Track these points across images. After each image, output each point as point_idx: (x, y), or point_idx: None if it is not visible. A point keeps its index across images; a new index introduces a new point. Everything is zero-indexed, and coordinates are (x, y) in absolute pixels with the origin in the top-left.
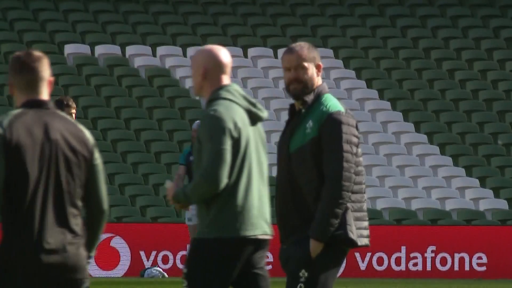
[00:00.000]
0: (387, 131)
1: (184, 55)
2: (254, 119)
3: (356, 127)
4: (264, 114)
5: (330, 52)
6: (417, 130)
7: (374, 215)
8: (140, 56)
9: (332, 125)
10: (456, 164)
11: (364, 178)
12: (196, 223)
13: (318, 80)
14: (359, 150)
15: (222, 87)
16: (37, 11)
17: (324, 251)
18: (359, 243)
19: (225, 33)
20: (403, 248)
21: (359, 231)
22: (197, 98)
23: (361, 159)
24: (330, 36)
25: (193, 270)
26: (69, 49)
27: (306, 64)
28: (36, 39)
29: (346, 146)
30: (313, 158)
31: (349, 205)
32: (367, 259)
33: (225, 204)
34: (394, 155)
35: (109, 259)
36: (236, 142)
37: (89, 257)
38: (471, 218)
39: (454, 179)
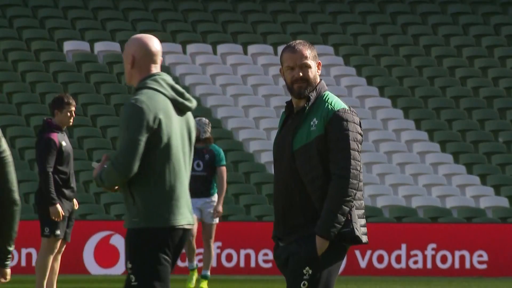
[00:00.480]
0: (387, 128)
1: (184, 52)
2: (182, 109)
3: (360, 125)
4: (193, 104)
5: (330, 49)
6: (418, 127)
7: (374, 213)
8: None
9: (339, 123)
10: (456, 161)
11: (362, 176)
12: None
13: (318, 78)
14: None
15: (149, 76)
16: (36, 8)
17: (328, 248)
18: (363, 240)
19: (225, 30)
20: (403, 246)
21: (361, 228)
22: (197, 95)
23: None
24: (330, 33)
25: (138, 264)
26: (68, 46)
27: (309, 62)
28: (35, 36)
29: (352, 144)
30: (318, 156)
31: (354, 202)
32: (367, 256)
33: (153, 193)
34: (394, 152)
35: (109, 256)
36: (156, 133)
37: (8, 251)
38: (472, 215)
39: (454, 177)
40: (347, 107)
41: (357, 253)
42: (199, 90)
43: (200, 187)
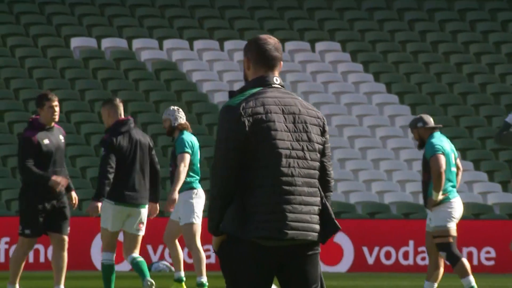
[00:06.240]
0: (394, 124)
1: (191, 48)
2: None
3: (238, 122)
4: None
5: (337, 45)
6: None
7: (381, 209)
8: (146, 50)
9: (218, 121)
10: (464, 158)
11: (278, 172)
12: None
13: (252, 75)
14: (280, 141)
15: None
16: (43, 4)
17: (226, 245)
18: (244, 237)
19: (231, 27)
20: (411, 242)
21: (260, 224)
22: (204, 91)
23: (285, 151)
24: (337, 30)
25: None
26: (75, 42)
27: (243, 58)
28: (42, 32)
29: (218, 143)
30: None
31: (238, 199)
32: (375, 253)
33: None
34: (401, 149)
35: (117, 253)
36: None
37: None
38: (480, 212)
39: (462, 173)
40: (231, 104)
41: (365, 249)
42: (206, 87)
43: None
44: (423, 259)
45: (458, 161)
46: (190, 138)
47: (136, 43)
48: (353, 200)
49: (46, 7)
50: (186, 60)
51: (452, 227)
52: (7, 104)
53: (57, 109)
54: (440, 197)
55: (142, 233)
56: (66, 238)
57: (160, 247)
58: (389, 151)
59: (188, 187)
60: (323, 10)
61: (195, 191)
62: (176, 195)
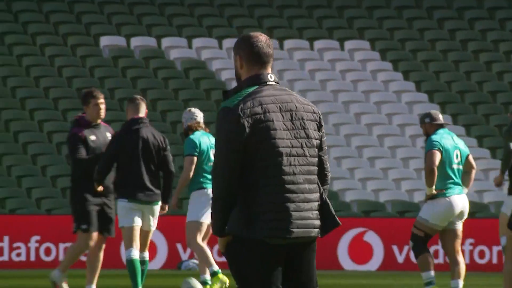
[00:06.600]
0: None
1: (220, 47)
2: None
3: (238, 123)
4: None
5: (366, 44)
6: (455, 122)
7: (411, 208)
8: (176, 48)
9: (216, 122)
10: (494, 156)
11: (279, 171)
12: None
13: (245, 73)
14: (278, 140)
15: None
16: (72, 3)
17: (233, 245)
18: (250, 236)
19: (260, 25)
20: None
21: (266, 224)
22: None
23: (285, 150)
24: (366, 28)
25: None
26: (104, 41)
27: (234, 56)
28: (71, 31)
29: (218, 143)
30: None
31: (242, 199)
32: (404, 251)
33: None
34: None
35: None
36: None
37: None
38: None
39: (492, 172)
40: (229, 105)
41: (395, 248)
42: (235, 85)
43: None
44: None
45: (471, 159)
46: (198, 138)
47: (165, 42)
48: (383, 198)
49: (75, 6)
50: (215, 59)
51: (435, 226)
52: (37, 103)
53: (102, 106)
54: (434, 192)
55: (154, 228)
56: (105, 239)
57: None
58: (418, 149)
59: (198, 187)
60: (352, 8)
61: (205, 190)
62: (175, 201)
